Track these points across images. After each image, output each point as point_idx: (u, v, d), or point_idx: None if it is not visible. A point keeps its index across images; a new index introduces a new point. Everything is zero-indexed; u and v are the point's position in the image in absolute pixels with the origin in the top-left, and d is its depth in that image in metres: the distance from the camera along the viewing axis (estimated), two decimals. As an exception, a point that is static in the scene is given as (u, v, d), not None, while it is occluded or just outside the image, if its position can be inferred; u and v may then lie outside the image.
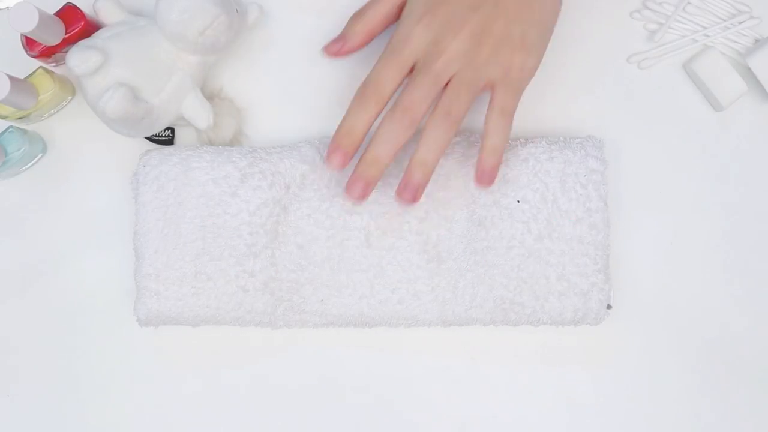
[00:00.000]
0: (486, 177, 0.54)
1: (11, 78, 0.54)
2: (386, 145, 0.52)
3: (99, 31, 0.56)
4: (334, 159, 0.52)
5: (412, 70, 0.53)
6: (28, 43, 0.57)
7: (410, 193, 0.53)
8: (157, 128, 0.57)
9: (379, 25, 0.56)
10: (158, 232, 0.56)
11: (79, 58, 0.52)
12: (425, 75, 0.52)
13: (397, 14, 0.56)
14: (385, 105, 0.53)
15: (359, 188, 0.53)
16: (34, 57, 0.57)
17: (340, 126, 0.53)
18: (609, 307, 0.56)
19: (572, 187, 0.56)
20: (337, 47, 0.56)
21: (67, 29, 0.56)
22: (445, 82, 0.53)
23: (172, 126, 0.60)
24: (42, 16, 0.53)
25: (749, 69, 0.59)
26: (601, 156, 0.57)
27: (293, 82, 0.61)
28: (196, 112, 0.57)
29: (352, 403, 0.59)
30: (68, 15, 0.56)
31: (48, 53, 0.57)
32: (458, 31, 0.53)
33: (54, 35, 0.55)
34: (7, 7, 0.62)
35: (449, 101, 0.52)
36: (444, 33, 0.53)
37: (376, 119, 0.53)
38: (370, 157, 0.52)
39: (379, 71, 0.53)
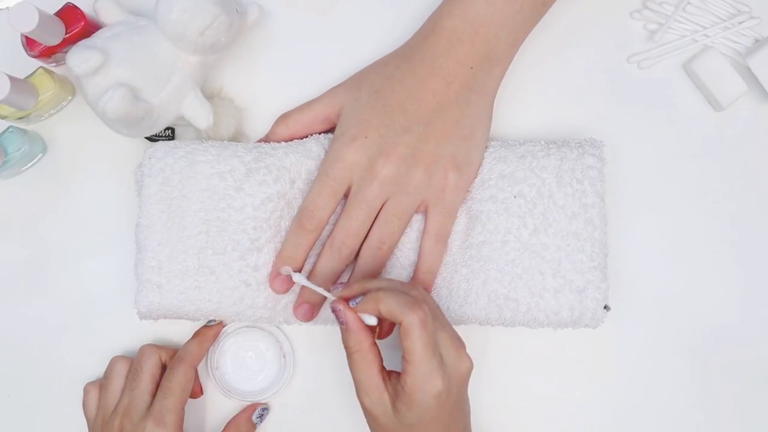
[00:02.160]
0: None
1: (11, 78, 0.54)
2: (326, 276, 0.55)
3: (99, 31, 0.56)
4: (277, 285, 0.55)
5: (347, 191, 0.54)
6: (28, 43, 0.57)
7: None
8: (157, 128, 0.57)
9: (300, 133, 0.58)
10: (162, 225, 0.55)
11: (79, 58, 0.52)
12: (359, 204, 0.54)
13: (321, 125, 0.57)
14: (323, 229, 0.55)
15: (304, 310, 0.55)
16: (34, 57, 0.57)
17: (281, 252, 0.55)
18: (607, 308, 0.55)
19: (568, 182, 0.56)
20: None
21: (67, 29, 0.56)
22: (379, 207, 0.54)
23: (172, 126, 0.60)
24: (42, 16, 0.53)
25: (749, 69, 0.59)
26: (599, 154, 0.56)
27: (293, 82, 0.61)
28: (196, 112, 0.57)
29: (350, 402, 0.59)
30: (68, 15, 0.56)
31: (48, 53, 0.57)
32: (390, 153, 0.53)
33: (54, 35, 0.55)
34: (7, 7, 0.62)
35: (381, 233, 0.54)
36: (376, 156, 0.53)
37: (315, 242, 0.55)
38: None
39: (314, 199, 0.54)
